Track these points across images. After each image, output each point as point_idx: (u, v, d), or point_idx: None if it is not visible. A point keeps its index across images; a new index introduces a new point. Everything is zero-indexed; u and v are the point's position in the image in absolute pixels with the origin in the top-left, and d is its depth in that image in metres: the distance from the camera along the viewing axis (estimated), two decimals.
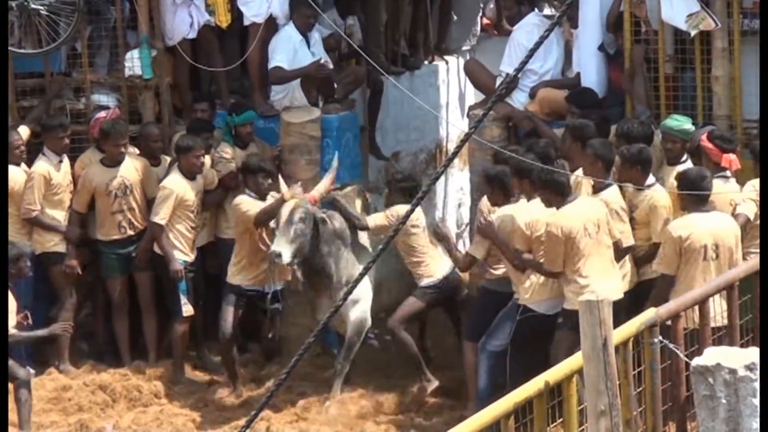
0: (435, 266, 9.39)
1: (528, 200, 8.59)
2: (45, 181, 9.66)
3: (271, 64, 10.25)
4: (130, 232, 9.85)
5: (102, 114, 10.07)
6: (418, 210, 8.86)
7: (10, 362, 8.42)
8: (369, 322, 9.58)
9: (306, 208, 9.34)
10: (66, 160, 9.88)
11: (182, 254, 9.74)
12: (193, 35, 10.42)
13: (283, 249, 9.23)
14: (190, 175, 9.70)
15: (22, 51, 10.17)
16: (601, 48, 9.94)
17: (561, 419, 6.06)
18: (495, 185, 8.70)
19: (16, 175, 9.65)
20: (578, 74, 10.00)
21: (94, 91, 10.39)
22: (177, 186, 9.64)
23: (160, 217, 9.60)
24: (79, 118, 10.27)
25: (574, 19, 10.02)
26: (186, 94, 10.64)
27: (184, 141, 9.79)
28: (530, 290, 8.44)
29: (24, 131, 9.89)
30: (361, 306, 9.46)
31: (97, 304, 10.22)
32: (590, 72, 9.94)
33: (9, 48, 10.09)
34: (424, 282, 9.37)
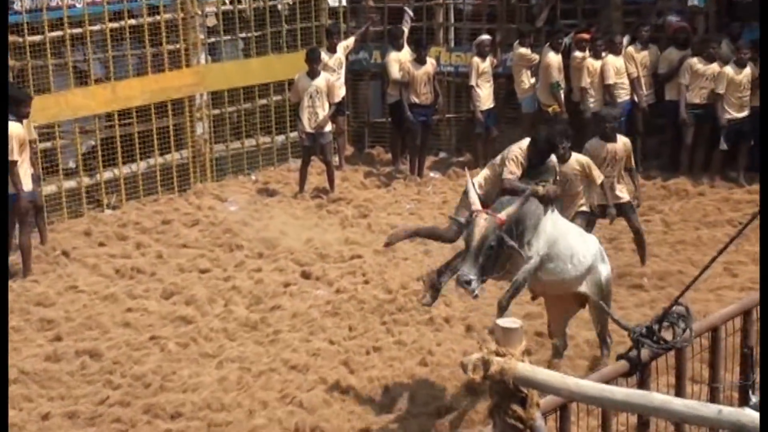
0: None
1: None
2: None
3: None
4: None
5: (674, 22, 16.16)
6: None
7: None
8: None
9: (496, 234, 8.36)
10: None
11: None
12: None
13: (472, 276, 8.22)
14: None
15: None
16: None
17: None
18: None
19: None
20: None
21: (672, 13, 16.40)
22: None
23: None
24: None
25: None
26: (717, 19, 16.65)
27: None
28: None
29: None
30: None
31: None
32: None
33: None
34: None
